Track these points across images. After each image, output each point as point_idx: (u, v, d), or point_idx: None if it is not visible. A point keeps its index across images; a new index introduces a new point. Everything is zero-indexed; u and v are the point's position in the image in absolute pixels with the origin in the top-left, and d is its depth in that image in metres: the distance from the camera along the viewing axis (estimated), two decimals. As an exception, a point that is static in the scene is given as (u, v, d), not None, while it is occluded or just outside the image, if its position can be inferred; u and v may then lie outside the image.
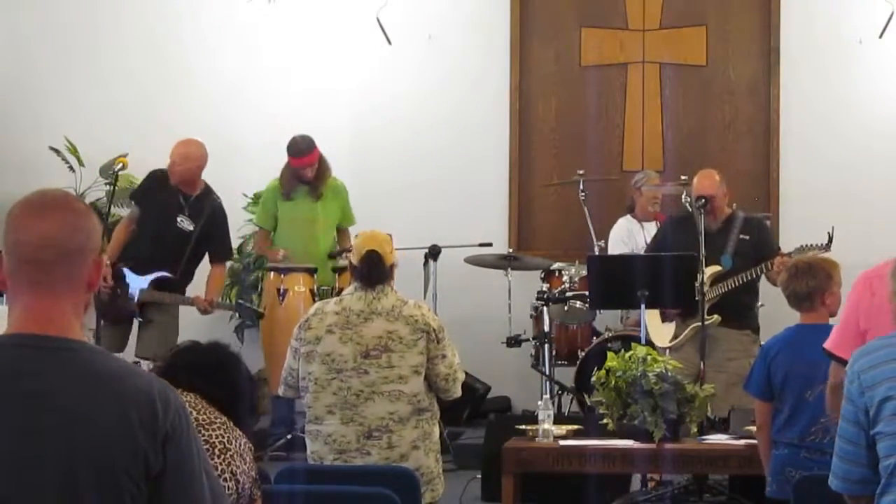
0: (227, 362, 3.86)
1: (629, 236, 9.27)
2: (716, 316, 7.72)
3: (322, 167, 8.89)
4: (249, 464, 3.65)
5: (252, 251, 10.21)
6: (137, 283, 8.29)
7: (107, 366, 2.41)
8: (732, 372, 7.76)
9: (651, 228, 9.04)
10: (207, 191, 8.50)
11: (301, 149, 8.83)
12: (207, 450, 3.43)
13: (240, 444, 3.63)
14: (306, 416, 5.95)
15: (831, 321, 5.51)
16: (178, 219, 8.38)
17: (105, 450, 2.33)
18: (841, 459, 3.71)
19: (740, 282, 7.79)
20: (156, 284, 8.28)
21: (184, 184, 8.40)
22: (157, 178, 8.51)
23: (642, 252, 8.86)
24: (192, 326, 8.90)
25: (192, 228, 8.37)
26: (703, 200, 7.79)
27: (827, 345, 4.81)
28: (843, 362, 4.74)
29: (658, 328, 8.06)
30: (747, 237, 7.97)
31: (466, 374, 9.03)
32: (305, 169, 8.83)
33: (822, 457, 5.41)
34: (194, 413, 3.54)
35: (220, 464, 3.52)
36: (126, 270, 8.26)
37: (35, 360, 2.38)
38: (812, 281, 5.61)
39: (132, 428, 2.34)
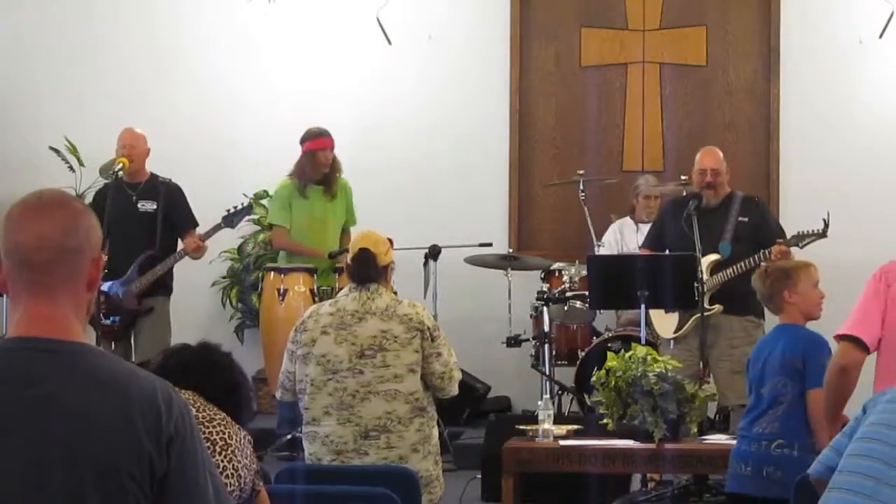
0: (220, 359, 3.87)
1: (619, 236, 9.33)
2: (717, 306, 7.72)
3: (336, 162, 8.92)
4: (250, 457, 3.66)
5: (252, 251, 10.21)
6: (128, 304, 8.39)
7: (110, 368, 2.40)
8: (736, 360, 7.77)
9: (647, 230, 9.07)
10: (154, 176, 8.60)
11: (321, 131, 8.89)
12: (208, 447, 3.43)
13: (240, 439, 3.64)
14: (304, 418, 5.95)
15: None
16: (139, 205, 8.46)
17: (109, 453, 2.32)
18: (830, 448, 3.85)
19: (739, 271, 7.76)
20: (140, 270, 8.33)
21: (135, 172, 8.46)
22: (101, 194, 8.58)
23: (632, 251, 8.95)
24: (191, 326, 8.91)
25: (154, 207, 8.46)
26: (697, 196, 7.84)
27: (842, 331, 4.87)
28: (857, 342, 4.80)
29: (661, 319, 8.06)
30: (746, 219, 7.97)
31: (466, 373, 9.09)
32: (326, 151, 8.84)
33: (758, 448, 5.44)
34: (193, 411, 3.55)
35: (222, 461, 3.52)
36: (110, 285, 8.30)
37: (38, 364, 2.37)
38: (766, 282, 5.65)
39: (136, 430, 2.33)
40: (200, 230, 8.53)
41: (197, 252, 8.46)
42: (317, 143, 8.85)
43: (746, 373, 5.70)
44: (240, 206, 8.67)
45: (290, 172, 8.95)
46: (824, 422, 5.03)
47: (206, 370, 3.78)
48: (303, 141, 8.91)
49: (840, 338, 4.93)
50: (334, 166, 8.91)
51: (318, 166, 8.85)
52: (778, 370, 5.43)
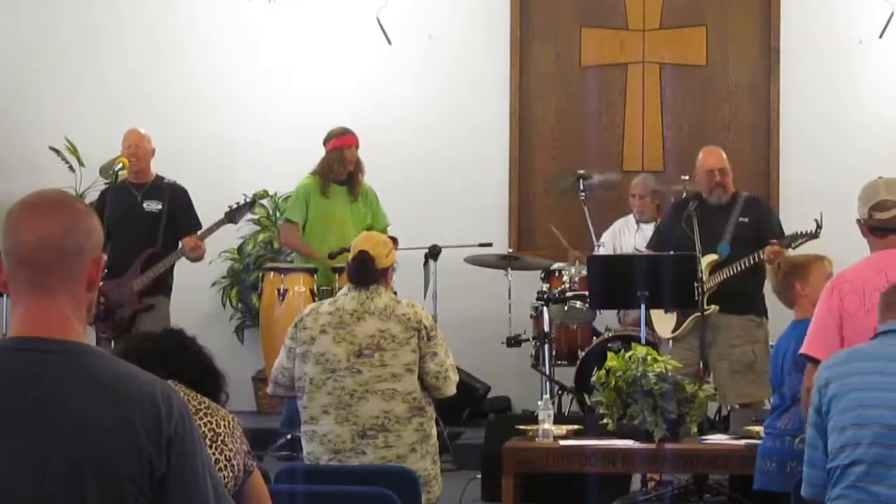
0: (190, 342, 3.87)
1: (613, 237, 9.36)
2: (713, 306, 7.72)
3: (360, 163, 8.93)
4: (240, 437, 3.63)
5: (252, 251, 10.21)
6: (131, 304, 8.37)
7: (109, 369, 2.39)
8: (735, 359, 7.78)
9: (648, 229, 9.07)
10: (159, 177, 8.62)
11: (345, 129, 8.91)
12: None
13: (227, 423, 3.61)
14: (302, 417, 5.96)
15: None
16: (144, 205, 8.48)
17: (109, 453, 2.31)
18: (807, 465, 3.80)
19: (736, 271, 7.77)
20: (142, 268, 8.33)
21: (141, 172, 8.50)
22: (106, 193, 8.58)
23: (626, 251, 9.00)
24: (191, 326, 8.87)
25: (159, 208, 8.46)
26: (698, 196, 7.86)
27: (802, 350, 4.88)
28: (817, 362, 4.81)
29: (661, 319, 8.07)
30: (746, 219, 7.97)
31: (466, 373, 9.09)
32: (352, 148, 8.85)
33: (782, 444, 5.46)
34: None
35: (214, 453, 3.50)
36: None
37: (37, 365, 2.36)
38: (779, 275, 5.65)
39: (136, 431, 2.33)
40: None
41: (195, 252, 8.43)
42: (343, 141, 8.86)
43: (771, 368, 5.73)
44: (242, 202, 8.66)
45: (313, 170, 8.95)
46: None
47: (182, 354, 3.79)
48: (327, 140, 8.91)
49: (802, 356, 4.93)
50: (358, 166, 8.92)
51: (344, 163, 8.86)
52: (793, 368, 5.43)
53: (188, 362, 3.78)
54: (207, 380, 3.78)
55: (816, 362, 4.80)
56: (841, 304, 4.79)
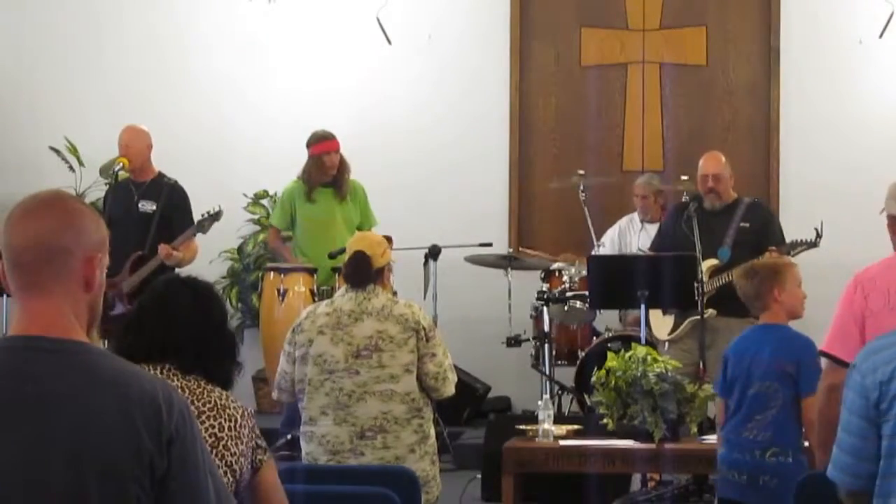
0: (216, 315, 3.81)
1: (619, 235, 9.37)
2: (711, 310, 7.71)
3: (344, 164, 8.91)
4: (248, 436, 3.56)
5: (252, 251, 10.22)
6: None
7: (110, 367, 2.40)
8: None
9: (651, 229, 9.06)
10: (160, 175, 8.57)
11: (325, 134, 8.90)
12: None
13: (233, 423, 3.54)
14: (302, 418, 5.95)
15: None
16: (140, 205, 8.44)
17: (110, 452, 2.32)
18: (853, 455, 3.65)
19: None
20: (131, 269, 8.31)
21: (138, 170, 8.47)
22: (109, 191, 8.57)
23: (631, 251, 9.00)
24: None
25: (153, 208, 8.42)
26: (695, 204, 7.84)
27: (822, 347, 4.79)
28: (837, 361, 4.71)
29: (658, 321, 8.06)
30: (748, 224, 7.98)
31: (466, 373, 9.09)
32: (331, 154, 8.83)
33: (752, 457, 5.34)
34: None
35: (215, 459, 3.46)
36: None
37: (37, 363, 2.37)
38: (754, 280, 5.58)
39: (136, 429, 2.33)
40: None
41: (169, 259, 8.32)
42: (321, 147, 8.85)
43: (723, 370, 5.59)
44: (211, 212, 8.58)
45: (298, 174, 8.96)
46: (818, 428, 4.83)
47: (212, 349, 3.72)
48: (308, 145, 8.91)
49: (822, 354, 4.83)
50: (342, 168, 8.90)
51: (323, 169, 8.86)
52: (767, 373, 5.34)
53: (197, 353, 3.70)
54: (230, 361, 3.74)
55: (837, 361, 4.68)
56: (864, 303, 4.69)
